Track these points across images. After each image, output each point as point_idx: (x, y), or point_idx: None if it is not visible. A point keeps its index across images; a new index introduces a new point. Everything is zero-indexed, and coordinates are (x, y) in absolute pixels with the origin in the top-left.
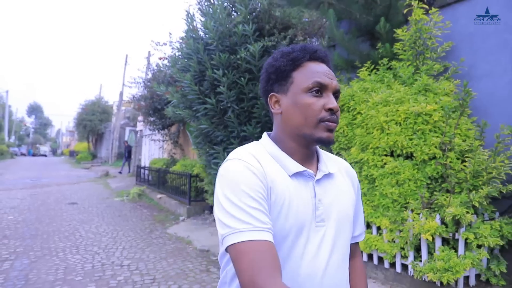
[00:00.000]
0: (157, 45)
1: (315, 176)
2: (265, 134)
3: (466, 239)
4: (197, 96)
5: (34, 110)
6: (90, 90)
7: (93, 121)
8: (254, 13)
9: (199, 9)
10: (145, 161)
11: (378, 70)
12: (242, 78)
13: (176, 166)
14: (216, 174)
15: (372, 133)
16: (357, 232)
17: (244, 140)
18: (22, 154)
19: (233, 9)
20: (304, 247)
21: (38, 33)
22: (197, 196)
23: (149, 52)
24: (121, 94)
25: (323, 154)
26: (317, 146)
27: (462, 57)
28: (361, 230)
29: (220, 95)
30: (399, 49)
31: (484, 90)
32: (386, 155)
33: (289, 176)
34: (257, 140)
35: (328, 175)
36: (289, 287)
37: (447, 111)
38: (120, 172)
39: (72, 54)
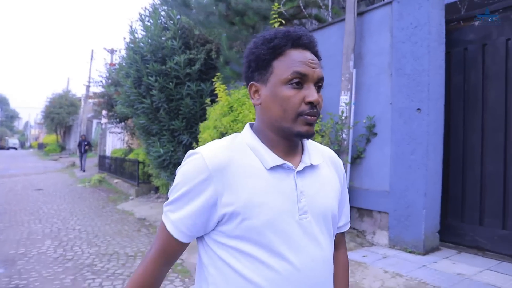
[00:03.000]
0: (109, 52)
1: (296, 168)
2: (247, 125)
3: None
4: (136, 97)
5: (0, 102)
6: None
7: (60, 114)
8: (181, 30)
9: (141, 21)
10: (109, 151)
11: None
12: (171, 83)
13: (130, 154)
14: (153, 159)
15: None
16: (342, 223)
17: (173, 131)
18: None
19: (165, 25)
20: (286, 241)
21: (1, 23)
22: (146, 179)
23: (112, 50)
24: (87, 88)
25: (309, 144)
26: None
27: None
28: (346, 220)
29: (153, 97)
30: None
31: (328, 96)
32: None
33: (267, 169)
34: (184, 132)
35: (311, 167)
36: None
37: None
38: (84, 170)
39: (38, 46)
